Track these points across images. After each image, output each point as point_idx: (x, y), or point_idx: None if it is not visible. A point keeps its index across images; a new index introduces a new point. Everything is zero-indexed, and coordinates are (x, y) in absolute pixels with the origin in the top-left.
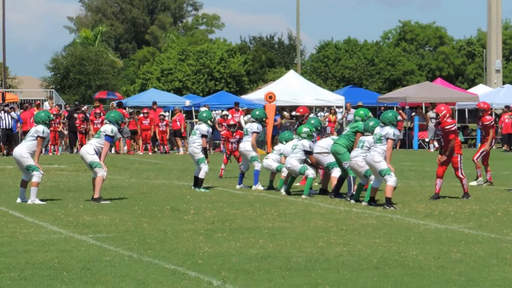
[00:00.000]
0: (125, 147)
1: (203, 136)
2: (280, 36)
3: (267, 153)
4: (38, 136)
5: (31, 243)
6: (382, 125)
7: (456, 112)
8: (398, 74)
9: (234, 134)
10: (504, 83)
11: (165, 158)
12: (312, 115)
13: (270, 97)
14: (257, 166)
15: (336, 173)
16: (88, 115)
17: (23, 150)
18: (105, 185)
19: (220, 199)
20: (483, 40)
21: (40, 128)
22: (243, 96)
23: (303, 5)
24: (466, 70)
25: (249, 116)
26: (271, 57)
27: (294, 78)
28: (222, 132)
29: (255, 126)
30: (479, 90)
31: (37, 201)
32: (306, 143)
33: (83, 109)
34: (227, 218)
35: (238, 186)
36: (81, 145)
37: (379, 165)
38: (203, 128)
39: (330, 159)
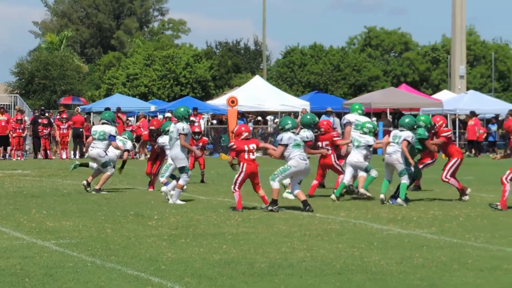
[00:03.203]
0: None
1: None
2: (246, 42)
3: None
4: (180, 134)
5: None
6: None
7: None
8: (363, 80)
9: (197, 141)
10: (468, 89)
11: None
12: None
13: (232, 101)
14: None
15: (405, 179)
16: (52, 120)
17: (178, 151)
18: (68, 190)
19: (184, 205)
20: (447, 46)
21: (180, 125)
22: (209, 102)
23: (269, 11)
24: (430, 76)
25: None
26: (237, 63)
27: (260, 83)
28: None
29: (304, 135)
30: (443, 96)
31: (178, 201)
32: (309, 134)
33: (47, 114)
34: (191, 224)
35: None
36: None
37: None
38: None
39: (402, 166)
